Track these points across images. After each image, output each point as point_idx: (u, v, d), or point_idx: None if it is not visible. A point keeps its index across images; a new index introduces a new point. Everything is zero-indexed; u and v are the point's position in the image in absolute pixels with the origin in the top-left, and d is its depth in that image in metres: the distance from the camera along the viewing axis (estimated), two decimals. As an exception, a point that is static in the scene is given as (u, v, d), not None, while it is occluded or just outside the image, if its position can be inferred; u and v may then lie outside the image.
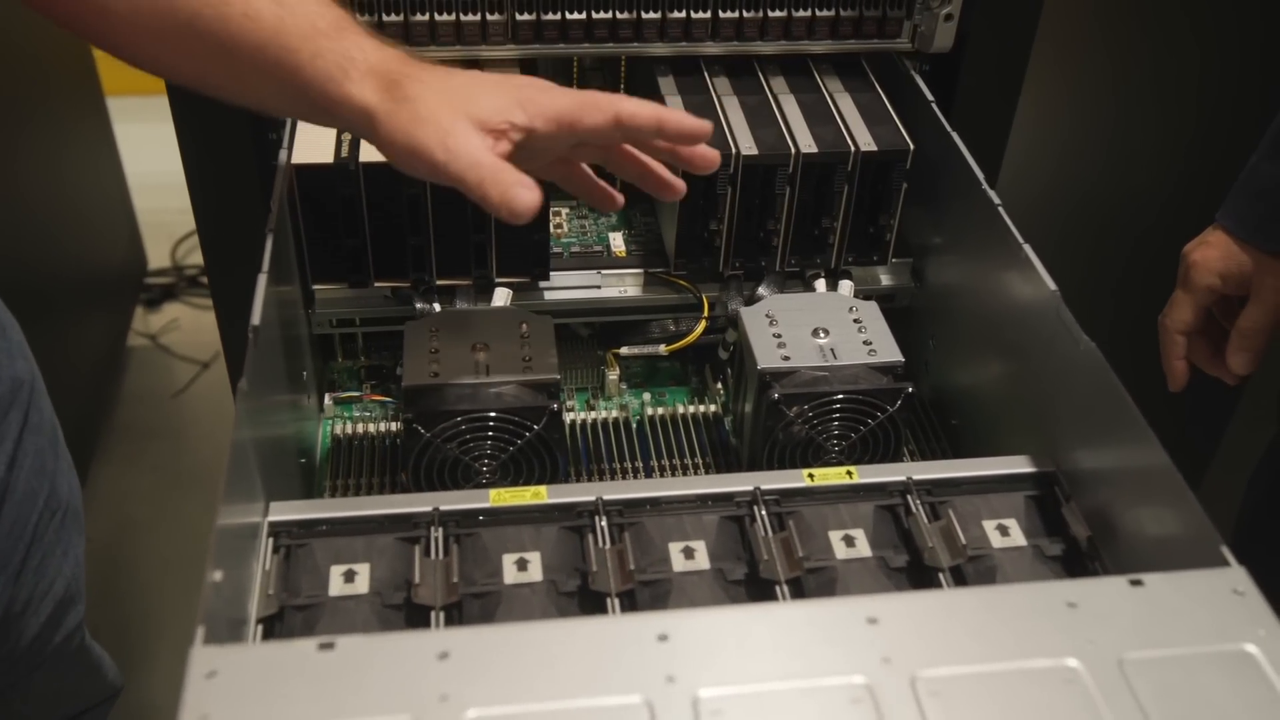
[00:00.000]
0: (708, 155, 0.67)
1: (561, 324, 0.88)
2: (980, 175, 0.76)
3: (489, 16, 0.80)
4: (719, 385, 0.87)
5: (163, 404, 1.79)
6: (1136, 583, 0.51)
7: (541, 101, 0.61)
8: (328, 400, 0.86)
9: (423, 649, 0.47)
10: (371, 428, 0.83)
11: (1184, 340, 0.82)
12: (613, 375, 0.86)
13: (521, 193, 0.57)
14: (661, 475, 0.80)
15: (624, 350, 0.85)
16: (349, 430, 0.83)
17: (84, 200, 1.73)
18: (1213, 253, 0.78)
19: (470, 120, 0.58)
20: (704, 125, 0.65)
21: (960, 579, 0.62)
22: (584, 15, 0.81)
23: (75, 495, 0.81)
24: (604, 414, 0.85)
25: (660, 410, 0.86)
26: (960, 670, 0.47)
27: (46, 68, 1.56)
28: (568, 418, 0.85)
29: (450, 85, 0.60)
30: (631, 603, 0.60)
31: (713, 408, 0.86)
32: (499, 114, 0.59)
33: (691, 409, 0.86)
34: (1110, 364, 0.62)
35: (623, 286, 0.85)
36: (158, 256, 2.02)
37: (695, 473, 0.80)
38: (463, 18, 0.80)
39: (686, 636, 0.48)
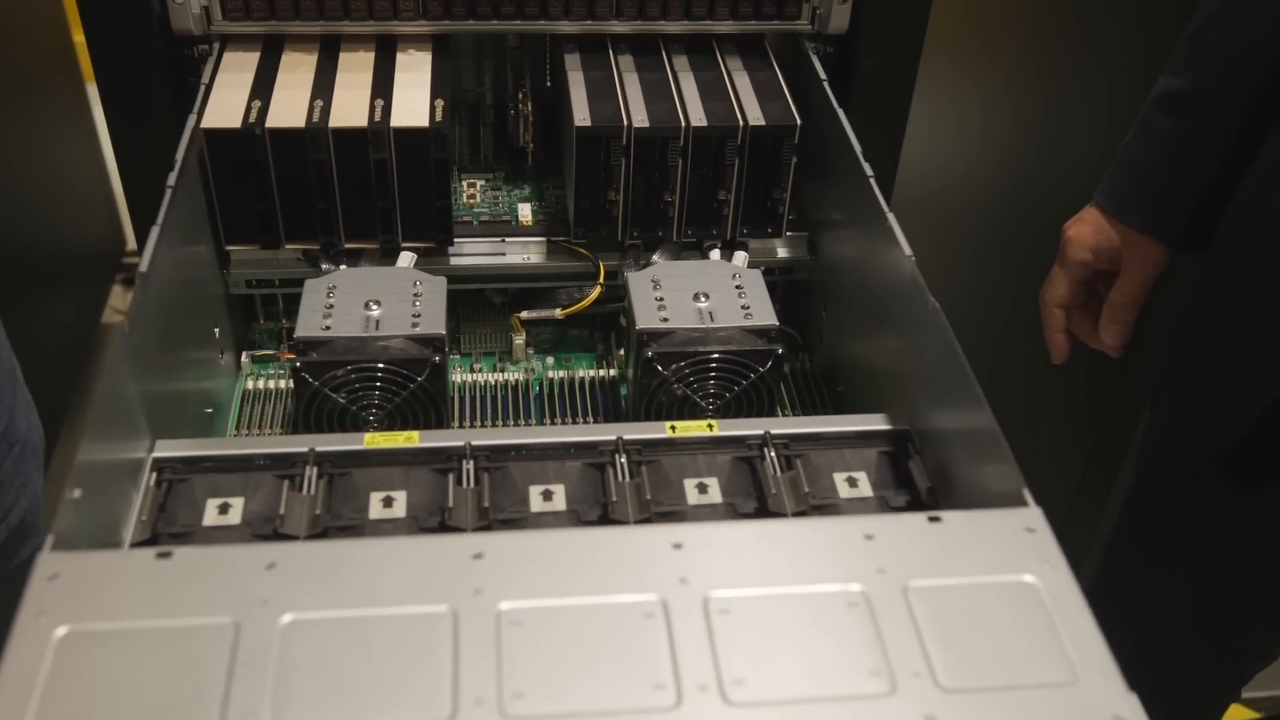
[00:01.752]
0: None
1: (475, 291, 0.93)
2: (858, 148, 0.79)
3: (399, -8, 0.84)
4: (620, 352, 0.90)
5: (135, 379, 1.83)
6: (935, 519, 0.55)
7: None
8: (245, 358, 0.89)
9: (252, 560, 0.51)
10: (283, 384, 0.87)
11: (1062, 314, 0.85)
12: (519, 340, 0.90)
13: None
14: (553, 432, 0.84)
15: (524, 315, 0.88)
16: (260, 386, 0.86)
17: (63, 181, 1.78)
18: (1086, 229, 0.81)
19: None
20: None
21: (802, 524, 0.65)
22: (490, -10, 0.85)
23: (35, 432, 0.84)
24: (509, 377, 0.89)
25: (562, 374, 0.89)
26: (751, 592, 0.51)
27: (27, 51, 1.61)
28: (474, 379, 0.88)
29: None
30: (487, 539, 0.63)
31: (613, 373, 0.89)
32: None
33: (592, 373, 0.89)
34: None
35: (526, 254, 0.88)
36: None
37: (590, 433, 0.84)
38: (374, -7, 0.84)
39: (498, 557, 0.51)
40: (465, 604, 0.49)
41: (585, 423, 0.84)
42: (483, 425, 0.84)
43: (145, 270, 0.66)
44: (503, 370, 0.90)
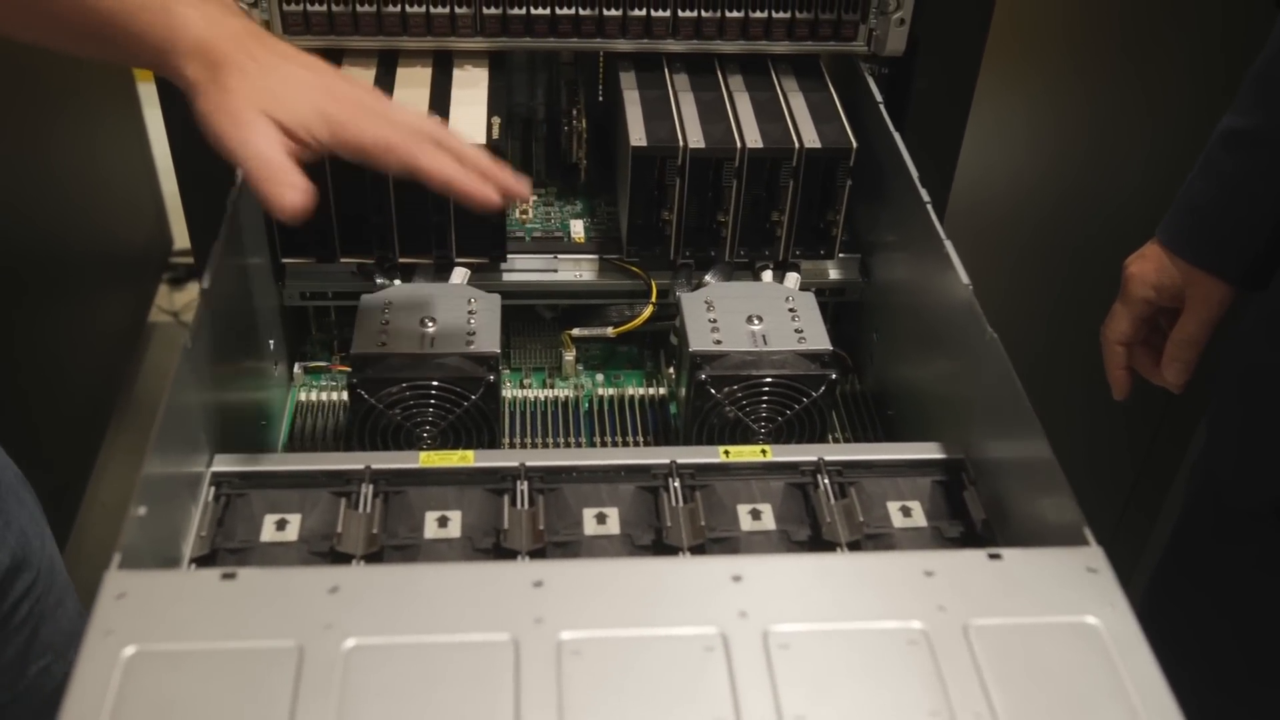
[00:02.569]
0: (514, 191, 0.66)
1: (526, 307, 0.93)
2: (914, 173, 0.79)
3: (457, 10, 0.85)
4: (670, 370, 0.91)
5: (179, 379, 1.85)
6: (995, 556, 0.55)
7: (349, 129, 0.62)
8: (297, 369, 0.90)
9: (315, 583, 0.51)
10: (335, 396, 0.87)
11: (1124, 350, 0.84)
12: (569, 356, 0.90)
13: (286, 191, 0.59)
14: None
15: (576, 332, 0.89)
16: (314, 397, 0.87)
17: (112, 181, 1.80)
18: (1148, 265, 0.81)
19: (271, 119, 0.60)
20: (488, 196, 0.64)
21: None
22: (548, 11, 0.85)
23: (6, 470, 0.83)
24: (559, 393, 0.89)
25: (612, 391, 0.89)
26: (811, 627, 0.51)
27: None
28: (524, 395, 0.89)
29: (268, 82, 0.61)
30: (541, 561, 0.64)
31: (662, 391, 0.89)
32: (302, 126, 0.61)
33: (642, 391, 0.89)
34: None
35: (578, 271, 0.88)
36: (183, 237, 2.09)
37: (637, 451, 0.84)
38: (432, 10, 0.85)
39: (560, 584, 0.52)
40: (526, 633, 0.49)
41: (635, 441, 0.85)
42: (532, 441, 0.85)
43: (207, 286, 0.67)
44: (552, 386, 0.90)
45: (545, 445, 0.84)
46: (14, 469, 0.84)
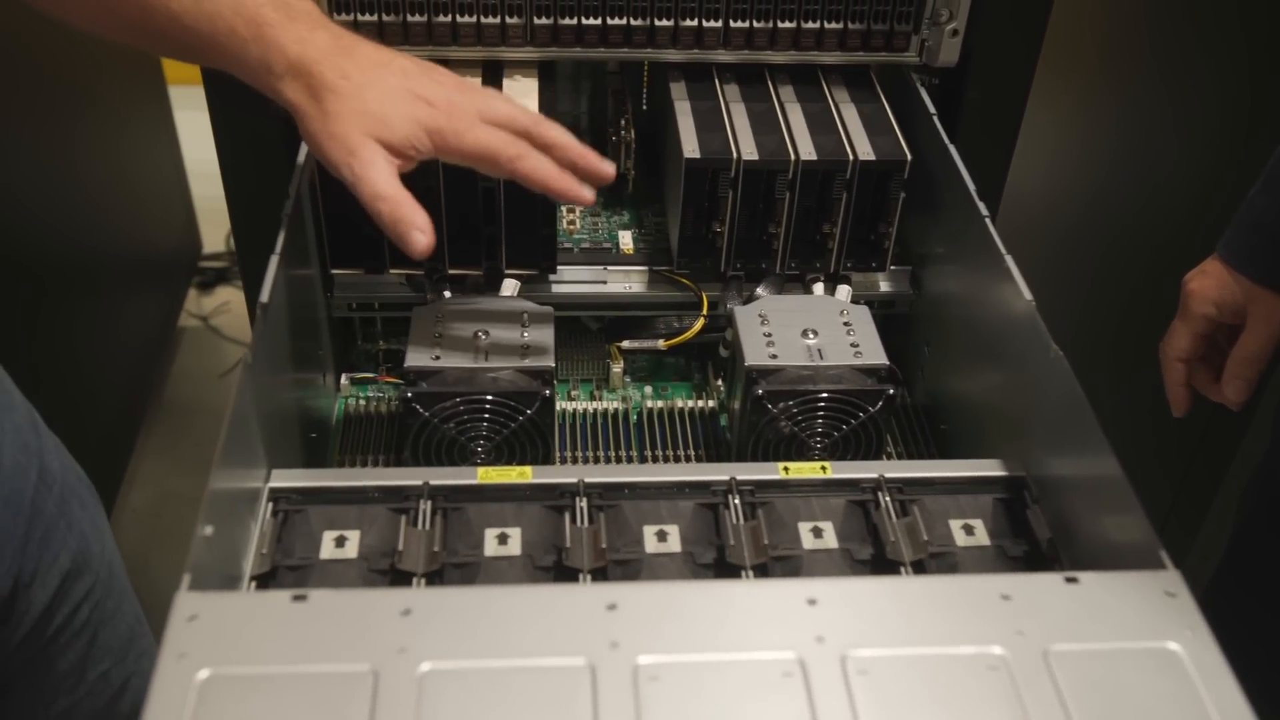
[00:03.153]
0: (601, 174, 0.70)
1: (571, 317, 0.92)
2: (971, 186, 0.78)
3: (508, 20, 0.84)
4: (719, 382, 0.90)
5: (210, 383, 1.85)
6: (1072, 579, 0.54)
7: (449, 139, 0.65)
8: (344, 380, 0.90)
9: (387, 605, 0.51)
10: (383, 407, 0.87)
11: (1184, 367, 0.83)
12: (616, 368, 0.90)
13: (417, 236, 0.64)
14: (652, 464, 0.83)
15: (626, 344, 0.88)
16: (361, 409, 0.87)
17: (142, 185, 1.80)
18: (1209, 282, 0.80)
19: (378, 143, 0.64)
20: (584, 197, 0.68)
21: (921, 574, 0.65)
22: (599, 21, 0.85)
23: (69, 472, 0.83)
24: (607, 405, 0.89)
25: (660, 404, 0.89)
26: (889, 652, 0.50)
27: (110, 55, 1.63)
28: (572, 407, 0.88)
29: (365, 103, 0.64)
30: (603, 579, 0.63)
31: (711, 403, 0.89)
32: (407, 142, 0.64)
33: (690, 404, 0.89)
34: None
35: (628, 282, 0.88)
36: (212, 241, 2.09)
37: (687, 464, 0.84)
38: (483, 20, 0.84)
39: (634, 607, 0.51)
40: (602, 658, 0.49)
41: (686, 455, 0.84)
42: (582, 455, 0.84)
43: (266, 300, 0.67)
44: (599, 398, 0.90)
45: (596, 458, 0.83)
46: (78, 471, 0.84)
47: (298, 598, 0.51)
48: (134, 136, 1.76)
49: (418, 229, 0.64)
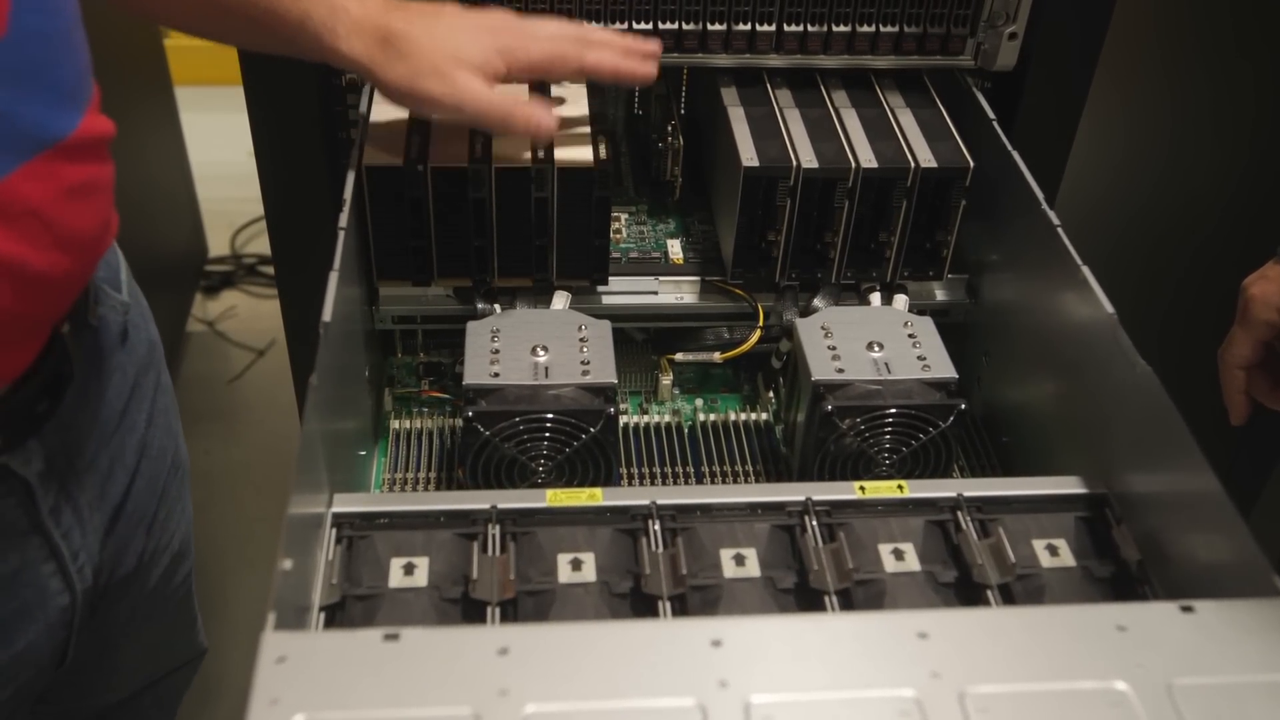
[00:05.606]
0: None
1: (616, 328, 0.90)
2: (1040, 195, 0.76)
3: (559, 24, 0.82)
4: (770, 394, 0.88)
5: (218, 389, 1.82)
6: (1187, 609, 0.52)
7: (518, 54, 0.70)
8: (387, 395, 0.87)
9: (484, 644, 0.48)
10: (428, 423, 0.85)
11: (1244, 375, 0.81)
12: (666, 380, 0.88)
13: (539, 112, 0.70)
14: (711, 481, 0.81)
15: (679, 356, 0.86)
16: (407, 425, 0.84)
17: (148, 187, 1.77)
18: (1271, 287, 0.78)
19: (465, 67, 0.68)
20: (649, 72, 0.74)
21: (1008, 597, 0.63)
22: (651, 26, 0.83)
23: (181, 451, 0.86)
24: (656, 418, 0.87)
25: (712, 416, 0.87)
26: (1008, 688, 0.48)
27: (115, 56, 1.60)
28: (622, 420, 0.86)
29: (436, 39, 0.68)
30: (682, 606, 0.61)
31: (764, 416, 0.87)
32: (486, 65, 0.69)
33: (743, 416, 0.87)
34: (1166, 383, 0.63)
35: (680, 293, 0.86)
36: (218, 244, 2.06)
37: (744, 479, 0.81)
38: (533, 25, 0.82)
39: (739, 643, 0.49)
40: (712, 698, 0.47)
41: (745, 470, 0.82)
42: (636, 469, 0.82)
43: (328, 319, 0.64)
44: (647, 411, 0.88)
45: (653, 475, 0.81)
46: (186, 454, 0.86)
47: (389, 636, 0.49)
48: (140, 139, 1.72)
49: (534, 106, 0.70)
